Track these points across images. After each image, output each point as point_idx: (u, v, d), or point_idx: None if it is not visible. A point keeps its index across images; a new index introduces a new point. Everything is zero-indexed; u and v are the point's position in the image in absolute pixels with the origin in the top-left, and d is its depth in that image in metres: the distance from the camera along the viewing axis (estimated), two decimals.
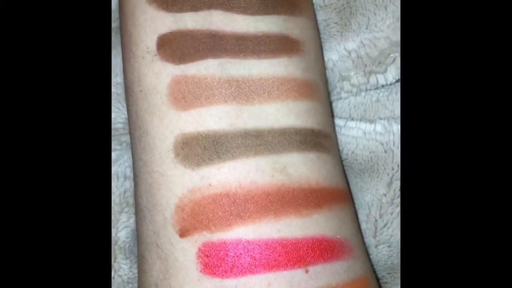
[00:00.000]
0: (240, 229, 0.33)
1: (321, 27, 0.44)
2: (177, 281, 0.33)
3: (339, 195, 0.36)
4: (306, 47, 0.38)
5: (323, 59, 0.41)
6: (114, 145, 0.45)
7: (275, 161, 0.34)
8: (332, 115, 0.42)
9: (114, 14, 0.46)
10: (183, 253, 0.33)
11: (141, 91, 0.36)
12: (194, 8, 0.35)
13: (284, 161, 0.34)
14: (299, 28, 0.37)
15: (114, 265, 0.45)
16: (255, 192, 0.33)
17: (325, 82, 0.40)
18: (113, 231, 0.45)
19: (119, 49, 0.45)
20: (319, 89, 0.38)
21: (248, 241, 0.33)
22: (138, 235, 0.37)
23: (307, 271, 0.33)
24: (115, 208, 0.45)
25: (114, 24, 0.46)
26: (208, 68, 0.35)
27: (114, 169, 0.45)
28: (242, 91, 0.35)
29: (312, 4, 0.41)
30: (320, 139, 0.36)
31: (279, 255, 0.32)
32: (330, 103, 0.43)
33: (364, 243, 0.39)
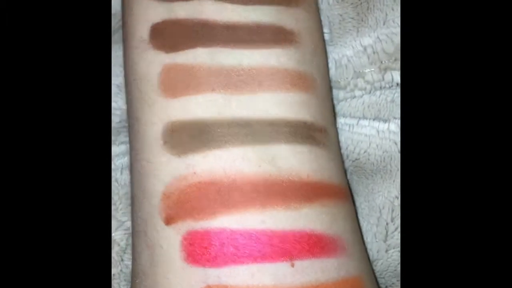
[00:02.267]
0: (224, 218, 0.32)
1: (336, 22, 0.44)
2: (161, 270, 0.33)
3: (333, 191, 0.35)
4: (302, 39, 0.37)
5: (323, 53, 0.40)
6: (124, 137, 0.45)
7: (263, 151, 0.33)
8: (333, 110, 0.41)
9: None
10: (168, 241, 0.33)
11: (134, 79, 0.36)
12: None
13: (272, 152, 0.33)
14: (295, 20, 0.37)
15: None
16: (241, 182, 0.32)
17: (324, 76, 0.39)
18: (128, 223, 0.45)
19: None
20: (315, 82, 0.37)
21: (232, 231, 0.32)
22: (131, 224, 0.37)
23: (293, 265, 0.32)
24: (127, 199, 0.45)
25: None
26: (197, 57, 0.34)
27: (125, 160, 0.45)
28: (231, 81, 0.34)
29: None
30: (313, 132, 0.35)
31: (264, 246, 0.32)
32: (331, 98, 0.41)
33: (362, 243, 0.37)
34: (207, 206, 0.32)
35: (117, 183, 0.45)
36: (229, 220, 0.32)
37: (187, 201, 0.32)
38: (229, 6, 0.35)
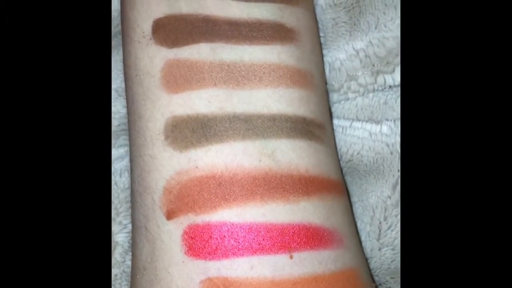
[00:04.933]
0: (225, 211, 0.33)
1: (329, 26, 0.44)
2: (162, 263, 0.33)
3: (331, 185, 0.36)
4: (302, 37, 0.38)
5: (320, 52, 0.41)
6: (123, 140, 0.46)
7: (263, 146, 0.34)
8: (329, 109, 0.42)
9: None
10: (169, 235, 0.33)
11: (136, 75, 0.36)
12: None
13: (272, 146, 0.34)
14: (295, 18, 0.37)
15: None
16: (241, 176, 0.33)
17: (322, 74, 0.40)
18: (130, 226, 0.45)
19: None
20: (313, 80, 0.38)
21: (233, 224, 0.33)
22: (132, 221, 0.37)
23: (291, 257, 0.32)
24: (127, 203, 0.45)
25: None
26: (200, 52, 0.35)
27: (124, 163, 0.45)
28: (233, 76, 0.35)
29: None
30: (312, 128, 0.36)
31: (263, 239, 0.32)
32: (327, 96, 0.42)
33: (357, 237, 0.38)
34: (208, 200, 0.33)
35: (117, 186, 0.45)
36: (230, 214, 0.33)
37: (188, 195, 0.33)
38: (232, 3, 0.36)
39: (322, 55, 0.41)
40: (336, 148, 0.40)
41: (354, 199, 0.44)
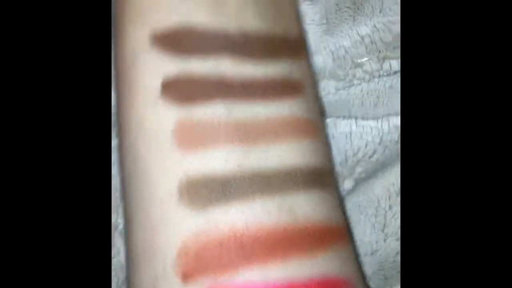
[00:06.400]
0: (246, 272, 0.31)
1: (332, 11, 0.43)
2: None
3: (341, 233, 0.35)
4: (307, 88, 0.37)
5: (318, 97, 0.40)
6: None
7: (281, 202, 0.33)
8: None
9: None
10: None
11: (143, 131, 0.34)
12: (202, 52, 0.34)
13: (290, 201, 0.33)
14: (301, 71, 0.37)
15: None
16: (262, 234, 0.32)
17: (322, 119, 0.40)
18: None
19: None
20: (319, 127, 0.37)
21: (255, 285, 0.31)
22: (132, 281, 0.35)
23: None
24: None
25: None
26: (215, 110, 0.33)
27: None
28: (249, 134, 0.34)
29: (306, 46, 0.41)
30: (322, 177, 0.35)
31: None
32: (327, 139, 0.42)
33: (365, 283, 0.38)
34: (230, 260, 0.32)
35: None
36: (251, 274, 0.31)
37: (208, 257, 0.32)
38: (245, 61, 0.35)
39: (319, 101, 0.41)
40: (339, 193, 0.40)
41: (358, 193, 0.44)
